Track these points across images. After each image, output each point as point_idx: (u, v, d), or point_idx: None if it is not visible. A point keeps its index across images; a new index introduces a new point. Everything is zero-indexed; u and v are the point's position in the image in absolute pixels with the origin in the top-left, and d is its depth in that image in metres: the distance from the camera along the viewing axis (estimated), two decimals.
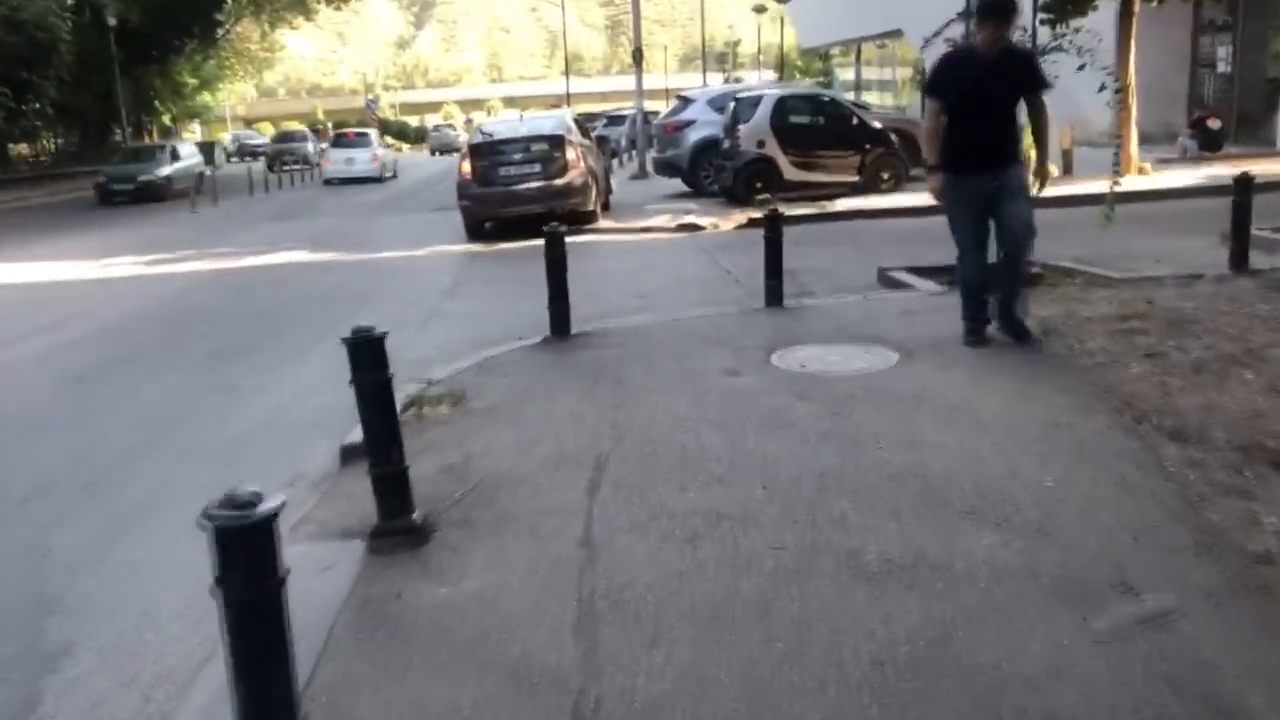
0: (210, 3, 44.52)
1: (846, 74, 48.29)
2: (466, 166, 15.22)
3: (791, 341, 6.77)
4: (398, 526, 4.01)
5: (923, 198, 16.65)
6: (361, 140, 34.48)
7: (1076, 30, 15.70)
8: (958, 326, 6.91)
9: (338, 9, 54.02)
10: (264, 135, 66.64)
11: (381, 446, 4.03)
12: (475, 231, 15.41)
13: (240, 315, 9.98)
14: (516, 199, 14.97)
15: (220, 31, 49.34)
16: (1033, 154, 16.42)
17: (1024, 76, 6.24)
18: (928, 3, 33.26)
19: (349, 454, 5.22)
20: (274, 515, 2.26)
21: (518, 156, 15.13)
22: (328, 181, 32.39)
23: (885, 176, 17.13)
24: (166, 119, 53.06)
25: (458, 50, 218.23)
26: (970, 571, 3.32)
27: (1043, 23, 16.57)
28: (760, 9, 44.47)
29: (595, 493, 4.31)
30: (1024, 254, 6.37)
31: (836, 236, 13.08)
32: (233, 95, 79.81)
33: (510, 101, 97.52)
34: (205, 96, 57.02)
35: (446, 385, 6.25)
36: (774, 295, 8.06)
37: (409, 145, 74.41)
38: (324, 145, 45.18)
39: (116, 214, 25.09)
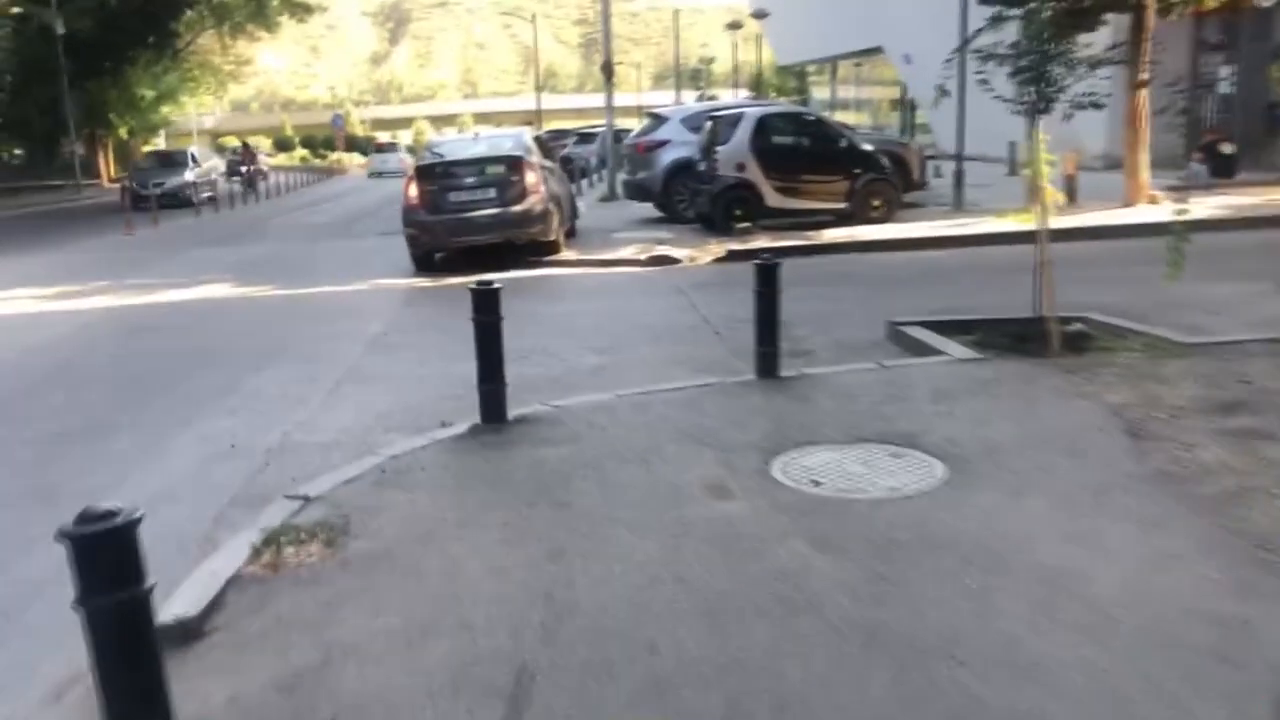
0: (166, 12, 42.54)
1: (821, 92, 47.11)
2: (413, 190, 13.47)
3: (796, 439, 5.10)
4: None
5: (919, 229, 15.30)
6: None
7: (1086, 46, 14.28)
8: (1015, 419, 5.28)
9: (301, 21, 52.00)
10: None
11: (131, 713, 2.33)
12: (423, 263, 13.70)
13: (113, 375, 8.21)
14: (469, 227, 13.27)
15: (178, 43, 47.25)
16: (1041, 181, 14.67)
17: None
18: (908, 20, 32.08)
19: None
20: None
21: (471, 180, 13.41)
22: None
23: (876, 204, 15.57)
24: (123, 132, 50.97)
25: (432, 66, 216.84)
26: None
27: (1048, 39, 15.14)
28: (736, 25, 43.05)
29: None
30: None
31: (828, 274, 11.46)
32: (201, 108, 77.62)
33: (483, 117, 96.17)
34: (166, 109, 54.86)
35: (327, 507, 4.54)
36: (767, 364, 6.40)
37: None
38: (258, 166, 38.75)
39: (43, 234, 23.14)
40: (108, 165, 47.95)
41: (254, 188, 34.69)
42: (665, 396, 6.07)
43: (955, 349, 6.98)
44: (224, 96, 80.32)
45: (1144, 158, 15.96)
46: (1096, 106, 7.15)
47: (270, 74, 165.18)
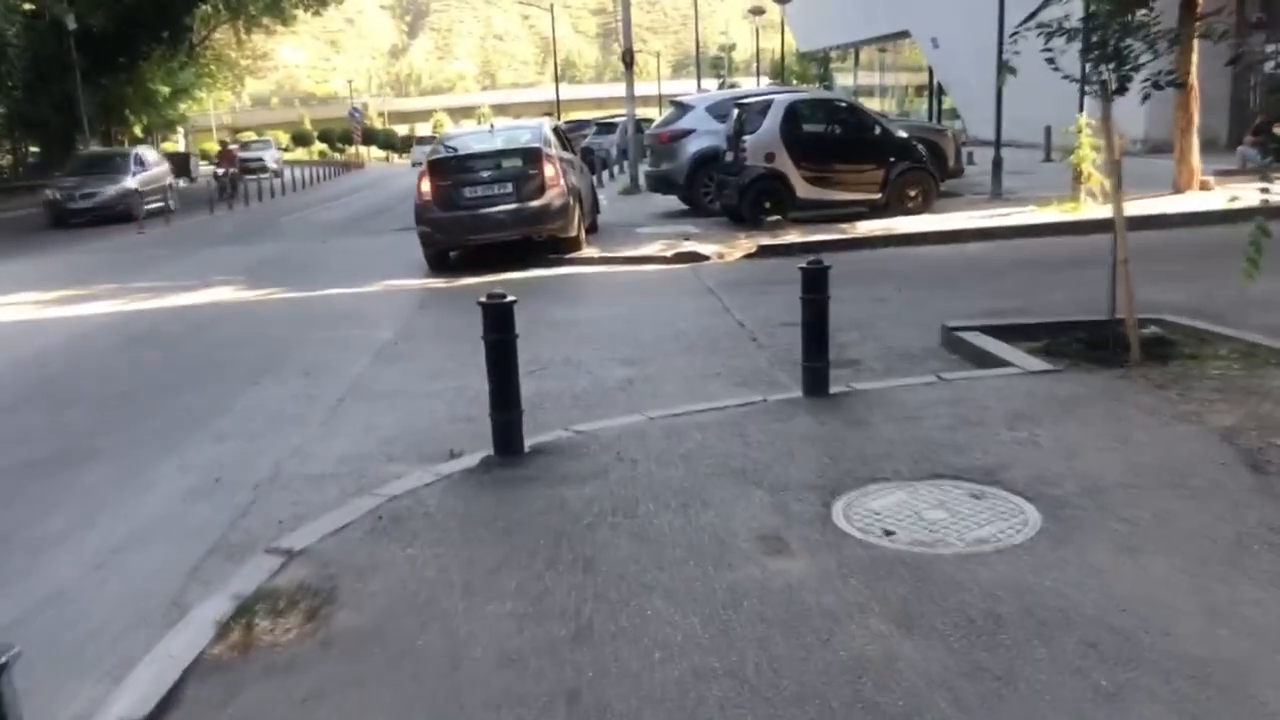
0: (179, 6, 42.03)
1: (844, 79, 46.23)
2: (426, 186, 12.80)
3: (858, 474, 4.40)
4: None
5: (959, 220, 14.50)
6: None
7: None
8: (1110, 448, 4.57)
9: (316, 14, 51.54)
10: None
11: None
12: (437, 262, 13.05)
13: (101, 392, 7.58)
14: (485, 224, 12.61)
15: (192, 37, 46.78)
16: (1086, 167, 13.75)
17: None
18: (936, 3, 31.14)
19: None
20: None
21: (486, 174, 12.74)
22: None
23: (912, 194, 14.81)
24: (137, 129, 50.62)
25: (451, 58, 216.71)
26: None
27: (1108, 15, 14.29)
28: (758, 11, 42.13)
29: None
30: None
31: (866, 270, 10.71)
32: (220, 104, 77.36)
33: (501, 109, 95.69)
34: (182, 105, 54.50)
35: (312, 565, 3.88)
36: (816, 381, 5.70)
37: (397, 155, 72.12)
38: (237, 169, 33.69)
39: (54, 234, 22.62)
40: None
41: (233, 193, 30.03)
42: (703, 419, 5.38)
43: (1022, 358, 6.25)
44: (242, 92, 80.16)
45: (1195, 142, 15.11)
46: (1178, 85, 6.41)
47: (290, 69, 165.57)
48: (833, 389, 5.76)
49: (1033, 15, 6.53)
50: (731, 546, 3.77)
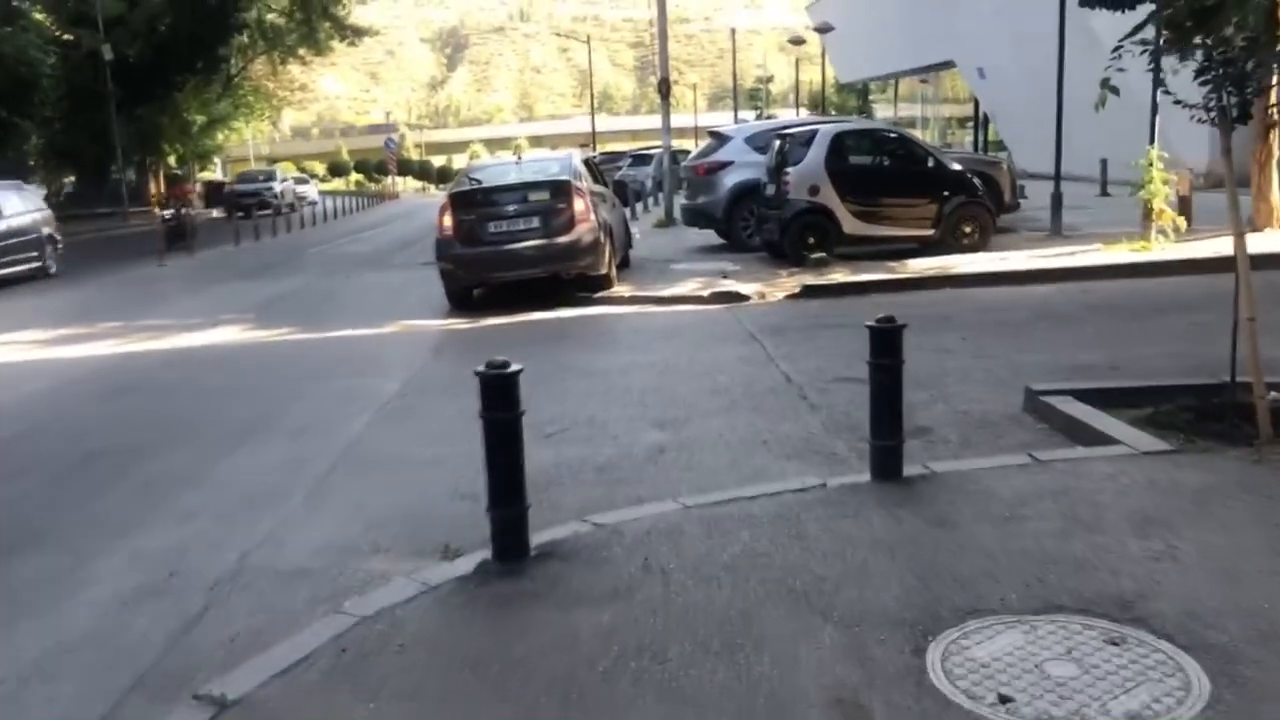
0: (214, 37, 41.94)
1: (884, 110, 45.39)
2: (448, 220, 12.00)
3: (953, 602, 3.43)
4: None
5: (1020, 259, 13.47)
6: None
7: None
8: (1275, 566, 3.58)
9: (352, 44, 51.54)
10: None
11: None
12: (460, 301, 12.22)
13: (66, 454, 6.71)
14: (510, 261, 11.78)
15: (227, 68, 46.73)
16: (1158, 203, 12.65)
17: None
18: (982, 32, 30.20)
19: None
20: None
21: (512, 208, 11.92)
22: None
23: (968, 230, 13.81)
24: (172, 159, 50.58)
25: (489, 90, 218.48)
26: None
27: (1166, 42, 13.31)
28: (798, 41, 41.35)
29: None
30: None
31: (926, 314, 9.66)
32: (258, 134, 77.73)
33: (538, 140, 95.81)
34: (219, 136, 54.52)
35: None
36: (887, 463, 4.75)
37: (434, 186, 71.90)
38: (191, 211, 27.43)
39: (74, 266, 22.06)
40: (158, 192, 47.62)
41: (185, 242, 23.37)
42: (751, 510, 4.43)
43: (1127, 433, 5.25)
44: (278, 122, 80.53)
45: (1275, 176, 14.01)
46: None
47: (330, 100, 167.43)
48: (905, 468, 4.80)
49: (1138, 29, 5.59)
50: (796, 716, 2.82)
